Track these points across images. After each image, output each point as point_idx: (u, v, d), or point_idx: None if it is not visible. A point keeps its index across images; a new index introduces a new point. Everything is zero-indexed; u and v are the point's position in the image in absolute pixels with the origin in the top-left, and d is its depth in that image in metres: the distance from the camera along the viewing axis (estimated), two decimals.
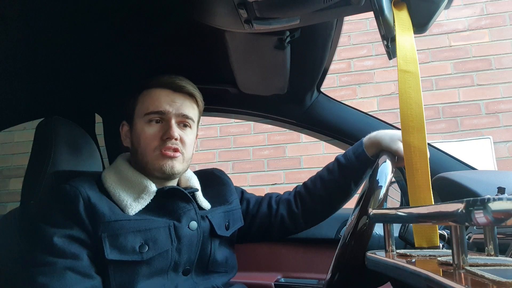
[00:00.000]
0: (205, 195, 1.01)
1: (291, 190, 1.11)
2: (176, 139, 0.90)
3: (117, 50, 1.12)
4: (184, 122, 0.94)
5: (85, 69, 1.18)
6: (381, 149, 0.92)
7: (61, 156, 1.00)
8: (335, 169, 1.01)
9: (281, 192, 1.12)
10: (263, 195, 1.13)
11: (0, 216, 1.07)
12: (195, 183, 1.00)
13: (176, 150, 0.90)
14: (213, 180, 1.07)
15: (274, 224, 1.05)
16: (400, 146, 0.87)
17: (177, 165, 0.91)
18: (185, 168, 0.95)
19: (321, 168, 1.06)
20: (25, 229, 0.95)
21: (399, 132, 0.89)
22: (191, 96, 0.96)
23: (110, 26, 1.01)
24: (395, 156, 0.88)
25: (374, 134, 0.96)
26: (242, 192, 1.12)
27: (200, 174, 1.07)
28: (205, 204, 0.98)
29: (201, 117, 1.04)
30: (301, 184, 1.09)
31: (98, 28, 1.00)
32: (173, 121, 0.91)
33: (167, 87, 0.94)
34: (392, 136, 0.91)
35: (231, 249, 1.03)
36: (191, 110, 0.95)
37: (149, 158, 0.90)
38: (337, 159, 1.02)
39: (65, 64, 1.13)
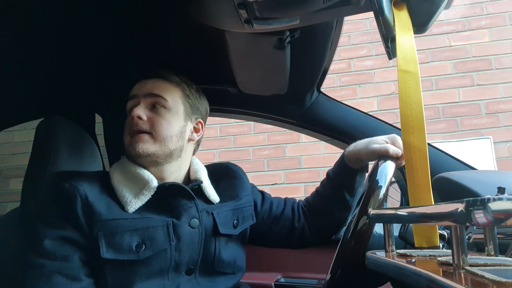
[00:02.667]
0: (216, 189, 0.99)
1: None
2: (139, 117, 0.89)
3: (117, 50, 1.12)
4: (155, 103, 0.92)
5: (85, 69, 1.18)
6: (363, 158, 0.95)
7: (61, 156, 1.00)
8: (327, 183, 1.04)
9: (281, 192, 1.12)
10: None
11: (0, 216, 1.07)
12: (203, 175, 0.98)
13: (140, 131, 0.89)
14: (226, 174, 1.06)
15: (296, 230, 1.05)
16: (375, 147, 0.90)
17: (147, 146, 0.89)
18: (162, 149, 0.90)
19: (321, 168, 1.07)
20: (24, 229, 0.95)
21: (375, 138, 0.93)
22: (164, 79, 0.95)
23: (110, 26, 1.01)
24: (395, 157, 0.87)
25: (353, 145, 0.99)
26: (263, 193, 1.11)
27: (213, 167, 1.06)
28: (213, 196, 0.96)
29: None
30: (303, 200, 1.10)
31: (98, 28, 1.00)
32: (141, 102, 0.92)
33: (144, 77, 0.96)
34: (368, 142, 0.94)
35: (241, 248, 1.01)
36: (164, 90, 0.93)
37: (125, 144, 0.91)
38: (327, 173, 1.05)
39: (65, 64, 1.13)
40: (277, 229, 1.05)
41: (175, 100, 0.94)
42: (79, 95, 1.31)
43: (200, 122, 1.01)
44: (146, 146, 0.89)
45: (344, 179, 1.00)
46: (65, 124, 1.05)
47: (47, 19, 0.93)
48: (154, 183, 0.88)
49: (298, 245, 1.08)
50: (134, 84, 0.98)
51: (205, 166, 1.05)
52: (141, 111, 0.90)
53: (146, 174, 0.89)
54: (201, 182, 0.95)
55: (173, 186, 0.90)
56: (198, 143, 1.04)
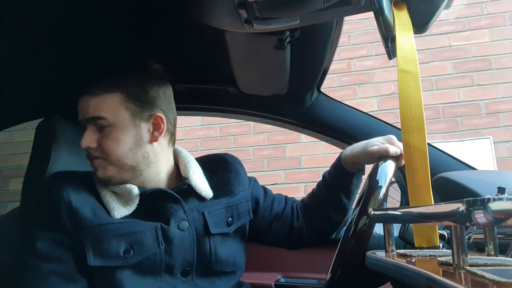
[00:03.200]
0: (210, 181, 0.95)
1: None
2: (89, 147, 0.85)
3: (117, 50, 1.12)
4: (98, 124, 0.85)
5: (85, 69, 1.18)
6: (361, 161, 0.95)
7: (61, 156, 1.00)
8: (324, 186, 1.03)
9: (281, 192, 1.11)
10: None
11: (0, 216, 1.07)
12: (192, 169, 0.93)
13: (95, 158, 0.86)
14: (222, 166, 1.01)
15: (295, 229, 1.03)
16: (373, 149, 0.90)
17: (105, 170, 0.85)
18: (121, 169, 0.86)
19: (321, 168, 1.07)
20: (19, 230, 0.95)
21: (370, 140, 0.92)
22: (93, 94, 0.86)
23: (110, 26, 1.01)
24: (395, 157, 0.87)
25: (349, 148, 0.98)
26: (265, 189, 1.09)
27: (209, 158, 1.03)
28: (206, 192, 0.92)
29: (201, 117, 1.03)
30: (299, 200, 1.09)
31: (98, 27, 1.00)
32: (87, 129, 0.86)
33: (78, 97, 0.89)
34: (365, 144, 0.93)
35: (240, 245, 0.98)
36: (99, 107, 0.85)
37: None
38: (323, 175, 1.04)
39: (65, 64, 1.13)
40: (277, 227, 1.04)
41: (115, 112, 0.85)
42: (79, 95, 1.31)
43: (157, 116, 0.89)
44: (105, 171, 0.85)
45: (341, 182, 0.99)
46: (65, 124, 1.05)
47: (47, 19, 0.93)
48: (136, 191, 0.85)
49: (295, 245, 1.07)
50: None
51: (201, 157, 1.02)
52: (88, 141, 0.85)
53: (127, 186, 0.86)
54: (188, 182, 0.90)
55: (155, 192, 0.87)
56: (170, 136, 0.94)
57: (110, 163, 0.85)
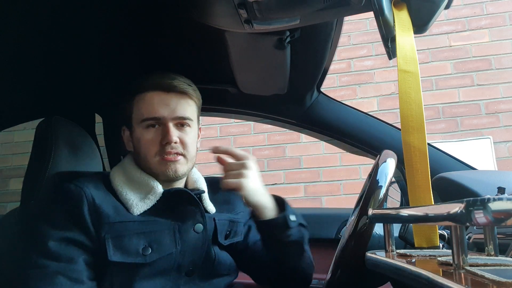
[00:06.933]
0: (212, 200, 0.98)
1: None
2: (175, 143, 0.88)
3: (117, 50, 1.12)
4: (181, 123, 0.91)
5: (85, 69, 1.18)
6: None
7: (61, 156, 1.00)
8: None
9: (281, 192, 1.10)
10: None
11: (0, 216, 1.07)
12: (202, 185, 0.98)
13: (176, 153, 0.89)
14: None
15: (264, 264, 0.99)
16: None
17: (180, 167, 0.89)
18: (189, 168, 0.93)
19: (321, 168, 1.06)
20: (25, 229, 0.95)
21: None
22: (184, 94, 0.92)
23: (110, 26, 1.01)
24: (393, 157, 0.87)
25: None
26: (250, 218, 1.06)
27: (212, 180, 1.04)
28: (211, 207, 0.96)
29: (201, 117, 1.03)
30: None
31: (98, 28, 1.00)
32: (170, 125, 0.88)
33: (158, 88, 0.90)
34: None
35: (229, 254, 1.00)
36: (187, 109, 0.92)
37: (151, 163, 0.89)
38: None
39: (65, 64, 1.13)
40: (246, 256, 1.02)
41: (195, 116, 0.95)
42: (79, 95, 1.31)
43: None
44: (182, 168, 0.90)
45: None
46: (65, 124, 1.05)
47: (47, 18, 0.93)
48: (160, 189, 0.88)
49: (262, 281, 1.04)
50: (134, 82, 0.97)
51: (204, 177, 1.04)
52: (175, 136, 0.88)
53: (151, 180, 0.89)
54: (203, 191, 0.95)
55: (179, 192, 0.90)
56: None
57: (188, 160, 0.91)
